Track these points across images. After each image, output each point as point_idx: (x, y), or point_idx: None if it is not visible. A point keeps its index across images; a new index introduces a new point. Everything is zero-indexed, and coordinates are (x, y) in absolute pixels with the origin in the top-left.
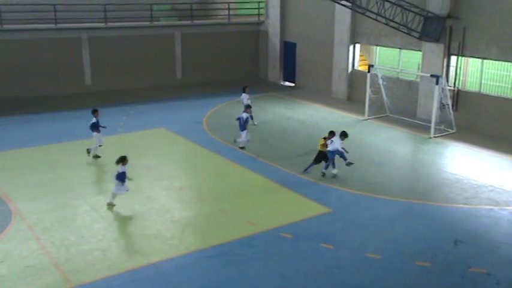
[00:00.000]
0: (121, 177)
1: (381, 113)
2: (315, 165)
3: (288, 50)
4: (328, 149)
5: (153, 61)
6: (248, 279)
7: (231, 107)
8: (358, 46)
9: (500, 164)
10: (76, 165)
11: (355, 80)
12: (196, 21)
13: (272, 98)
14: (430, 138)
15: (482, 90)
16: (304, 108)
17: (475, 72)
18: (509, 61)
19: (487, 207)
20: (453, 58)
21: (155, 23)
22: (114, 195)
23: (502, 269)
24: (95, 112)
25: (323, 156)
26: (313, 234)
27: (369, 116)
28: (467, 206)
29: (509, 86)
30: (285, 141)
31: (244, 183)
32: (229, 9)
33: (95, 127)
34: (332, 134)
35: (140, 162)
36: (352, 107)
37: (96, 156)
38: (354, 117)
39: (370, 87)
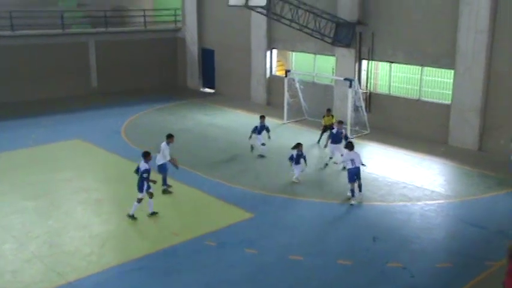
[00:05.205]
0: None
1: (299, 116)
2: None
3: (206, 56)
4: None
5: (66, 70)
6: None
7: (150, 115)
8: (275, 52)
9: (411, 161)
10: None
11: (273, 85)
12: (110, 29)
13: (192, 104)
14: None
15: (391, 92)
16: (225, 114)
17: (385, 76)
18: (413, 64)
19: (401, 203)
20: (364, 62)
21: (67, 30)
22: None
23: (416, 262)
24: (262, 118)
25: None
26: (237, 241)
27: (287, 120)
28: (383, 203)
29: (415, 88)
30: (206, 148)
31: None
32: (145, 16)
33: (255, 131)
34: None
35: (55, 175)
36: (271, 112)
37: (261, 156)
38: (273, 121)
39: (288, 91)
